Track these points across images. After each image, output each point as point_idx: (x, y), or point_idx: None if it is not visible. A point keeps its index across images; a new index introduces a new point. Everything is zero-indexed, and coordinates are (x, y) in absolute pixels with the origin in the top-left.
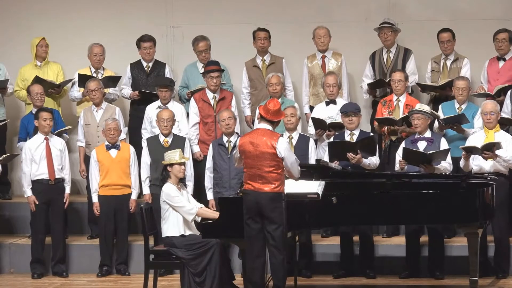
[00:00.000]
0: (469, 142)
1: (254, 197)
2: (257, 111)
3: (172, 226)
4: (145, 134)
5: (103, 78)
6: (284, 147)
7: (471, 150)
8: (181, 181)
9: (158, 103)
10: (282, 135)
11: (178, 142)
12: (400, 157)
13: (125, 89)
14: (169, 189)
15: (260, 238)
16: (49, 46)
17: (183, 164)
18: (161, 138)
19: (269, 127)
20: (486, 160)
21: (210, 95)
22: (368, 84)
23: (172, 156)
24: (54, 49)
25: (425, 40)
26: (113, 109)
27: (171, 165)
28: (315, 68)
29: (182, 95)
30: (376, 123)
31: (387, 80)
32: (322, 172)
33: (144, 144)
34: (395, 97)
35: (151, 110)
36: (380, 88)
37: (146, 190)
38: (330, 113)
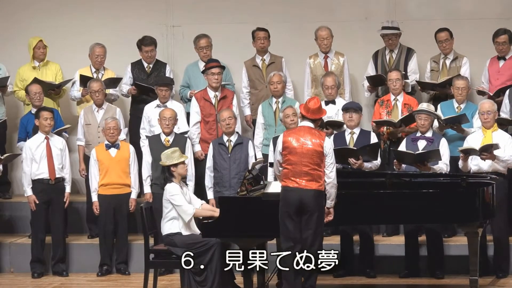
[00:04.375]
0: (467, 142)
1: (298, 194)
2: (298, 110)
3: (174, 225)
4: (144, 133)
5: (104, 80)
6: (329, 146)
7: (469, 152)
8: (183, 180)
9: (156, 102)
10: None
11: (179, 141)
12: None
13: (126, 88)
14: (172, 188)
15: (296, 234)
16: (47, 47)
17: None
18: (163, 137)
19: (311, 125)
20: (484, 161)
21: (211, 93)
22: (367, 78)
23: (174, 156)
24: (53, 49)
25: (425, 39)
26: (114, 109)
27: (176, 165)
28: (317, 68)
29: (183, 95)
30: (373, 124)
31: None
32: None
33: (144, 143)
34: (392, 97)
35: (150, 110)
36: (379, 85)
37: (147, 189)
38: (329, 113)
